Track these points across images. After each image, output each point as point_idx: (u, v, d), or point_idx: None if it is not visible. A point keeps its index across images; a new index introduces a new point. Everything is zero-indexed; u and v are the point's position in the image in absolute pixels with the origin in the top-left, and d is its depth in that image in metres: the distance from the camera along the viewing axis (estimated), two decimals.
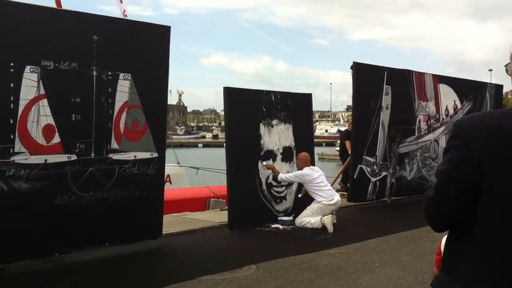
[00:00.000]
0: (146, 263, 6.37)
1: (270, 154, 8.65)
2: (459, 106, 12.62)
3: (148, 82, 6.71)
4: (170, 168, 11.93)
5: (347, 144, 11.84)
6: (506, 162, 1.56)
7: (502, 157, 1.56)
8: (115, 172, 6.43)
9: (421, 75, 11.57)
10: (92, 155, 6.18)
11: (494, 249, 1.59)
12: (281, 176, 8.49)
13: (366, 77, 10.42)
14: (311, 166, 8.71)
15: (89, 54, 6.05)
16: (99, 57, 6.14)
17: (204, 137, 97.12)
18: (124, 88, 6.45)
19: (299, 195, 8.89)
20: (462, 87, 12.73)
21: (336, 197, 8.61)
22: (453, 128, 1.71)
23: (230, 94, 8.25)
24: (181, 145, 60.14)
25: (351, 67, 10.41)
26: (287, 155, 8.88)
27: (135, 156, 6.63)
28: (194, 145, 73.57)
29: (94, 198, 6.22)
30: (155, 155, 6.85)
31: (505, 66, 1.83)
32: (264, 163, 8.51)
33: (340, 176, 12.36)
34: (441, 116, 12.16)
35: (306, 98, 9.64)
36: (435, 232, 1.85)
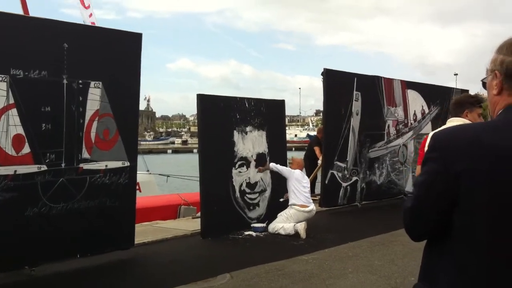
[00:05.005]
0: (119, 274, 6.29)
1: (244, 161, 8.66)
2: (426, 111, 12.86)
3: (120, 90, 6.64)
4: (139, 176, 11.77)
5: (317, 150, 11.94)
6: (483, 175, 1.58)
7: (480, 170, 1.59)
8: (86, 182, 6.33)
9: (389, 81, 11.75)
10: (63, 165, 6.07)
11: (469, 260, 1.62)
12: (272, 164, 8.78)
13: (336, 84, 10.53)
14: (302, 173, 9.02)
15: (59, 62, 5.95)
16: (70, 65, 6.04)
17: (173, 142, 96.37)
18: (95, 96, 6.36)
19: (281, 200, 8.95)
20: (429, 92, 12.98)
21: (312, 206, 8.72)
22: (431, 141, 1.74)
23: (204, 101, 8.22)
24: (150, 152, 59.59)
25: (322, 74, 10.51)
26: (260, 161, 8.89)
27: (106, 166, 6.54)
28: (163, 151, 73.02)
29: (65, 209, 6.11)
30: (127, 164, 6.78)
31: (482, 80, 1.86)
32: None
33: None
34: (409, 121, 12.37)
35: (279, 105, 9.69)
36: (405, 236, 1.88)
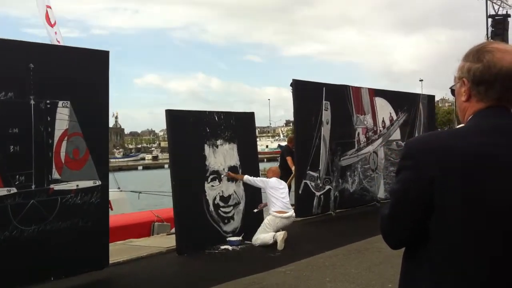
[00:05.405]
0: None
1: (216, 175, 8.63)
2: (394, 117, 13.06)
3: (88, 108, 6.55)
4: (110, 194, 11.59)
5: (289, 160, 11.96)
6: (457, 180, 1.61)
7: (453, 175, 1.61)
8: (57, 203, 6.21)
9: (357, 89, 11.90)
10: (33, 186, 5.96)
11: (447, 266, 1.64)
12: (247, 177, 8.72)
13: (305, 94, 10.62)
14: (279, 180, 8.99)
15: (26, 83, 5.86)
16: (37, 86, 5.95)
17: (143, 159, 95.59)
18: (63, 116, 6.27)
19: (255, 210, 8.94)
20: (397, 99, 13.19)
21: (291, 212, 8.74)
22: (404, 149, 1.76)
23: (173, 116, 8.18)
24: (120, 169, 58.84)
25: (291, 84, 10.58)
26: None
27: (77, 185, 6.44)
28: (134, 168, 72.30)
29: (37, 231, 5.98)
30: (98, 182, 6.69)
31: (450, 87, 1.91)
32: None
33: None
34: (378, 128, 12.53)
35: (249, 117, 9.70)
36: (380, 243, 1.90)
